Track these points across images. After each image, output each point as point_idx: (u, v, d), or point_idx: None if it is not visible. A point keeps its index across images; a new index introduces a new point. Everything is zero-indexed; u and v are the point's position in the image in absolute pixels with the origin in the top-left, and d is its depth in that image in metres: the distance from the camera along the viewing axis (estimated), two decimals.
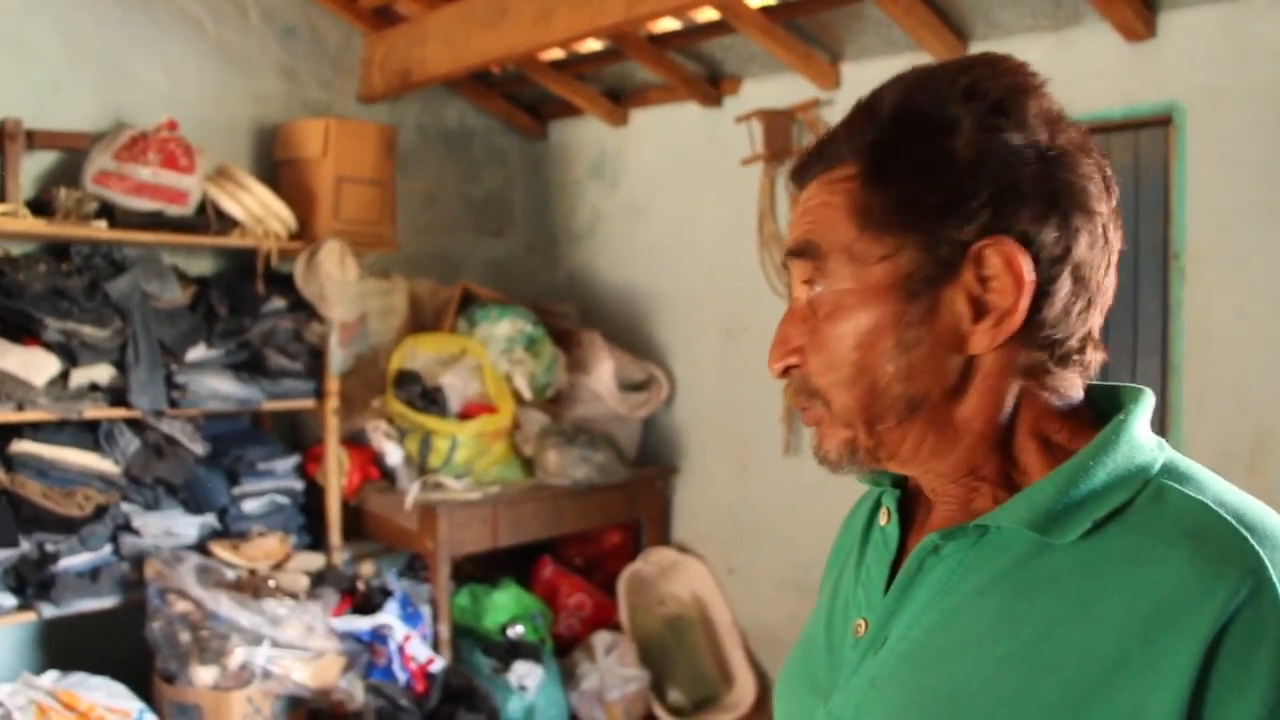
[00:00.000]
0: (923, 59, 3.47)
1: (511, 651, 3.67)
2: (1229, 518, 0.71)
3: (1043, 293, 0.77)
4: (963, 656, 0.76)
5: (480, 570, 4.07)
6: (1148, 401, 0.82)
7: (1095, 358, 0.82)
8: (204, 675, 3.10)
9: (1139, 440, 0.78)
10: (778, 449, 4.02)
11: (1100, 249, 0.79)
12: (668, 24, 3.75)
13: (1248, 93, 2.89)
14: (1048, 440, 0.81)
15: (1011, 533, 0.78)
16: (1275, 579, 0.68)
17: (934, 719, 0.75)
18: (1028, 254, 0.76)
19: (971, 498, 0.83)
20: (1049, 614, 0.73)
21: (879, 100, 0.82)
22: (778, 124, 3.87)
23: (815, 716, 0.87)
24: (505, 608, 3.84)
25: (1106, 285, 0.81)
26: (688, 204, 4.30)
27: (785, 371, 0.86)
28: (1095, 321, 0.81)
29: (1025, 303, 0.76)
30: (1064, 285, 0.78)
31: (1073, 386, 0.82)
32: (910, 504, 0.92)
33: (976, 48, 3.38)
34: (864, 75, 3.70)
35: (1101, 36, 3.11)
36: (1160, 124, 3.06)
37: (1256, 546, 0.69)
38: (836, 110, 3.77)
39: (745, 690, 4.02)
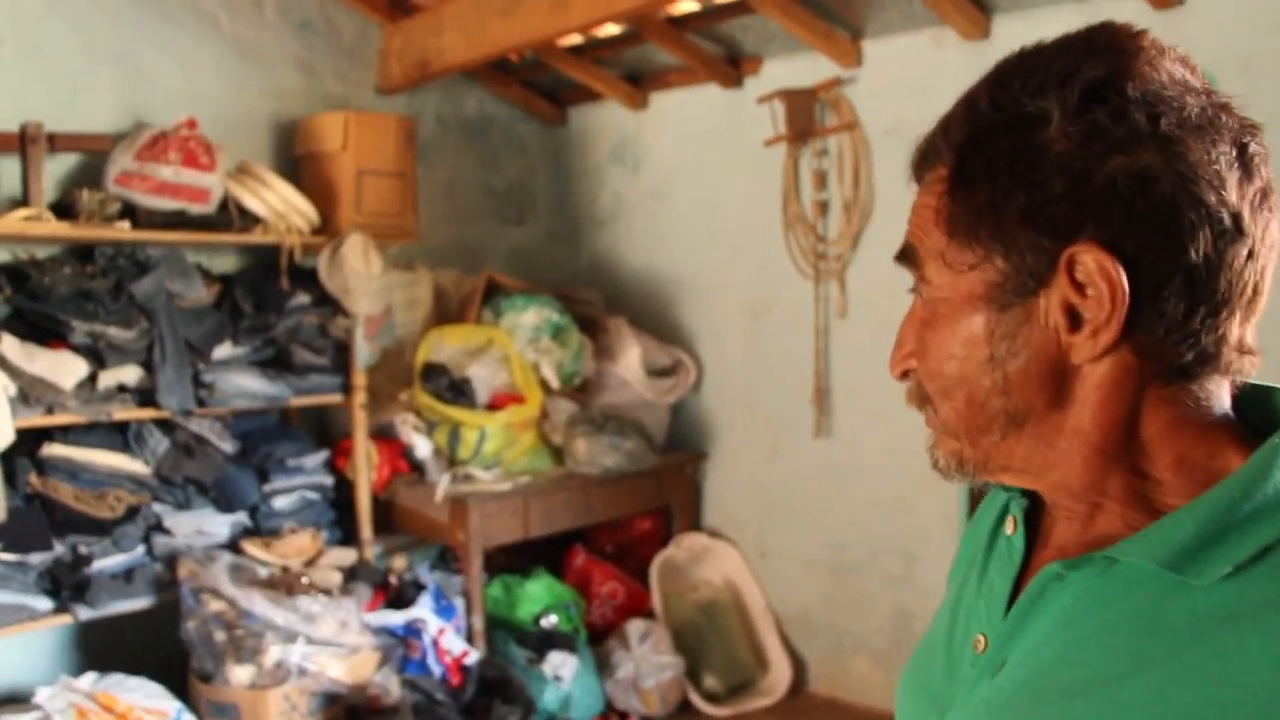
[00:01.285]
0: (946, 34, 3.42)
1: (545, 642, 3.66)
2: None
3: (1151, 300, 0.69)
4: (1084, 697, 0.70)
5: (511, 561, 4.06)
6: None
7: (1244, 362, 0.73)
8: (240, 674, 3.10)
9: None
10: (808, 431, 3.99)
11: (1232, 242, 0.69)
12: (686, 5, 3.70)
13: (1279, 58, 2.83)
14: (1184, 457, 0.73)
15: (1144, 567, 0.70)
16: None
17: None
18: (1120, 260, 0.68)
19: (1095, 515, 0.76)
20: (1183, 663, 0.66)
21: (977, 89, 0.76)
22: (800, 104, 3.82)
23: None
24: (538, 598, 3.83)
25: (1252, 283, 0.71)
26: (710, 187, 4.26)
27: (905, 374, 0.83)
28: (1236, 325, 0.71)
29: (1121, 314, 0.69)
30: (1175, 290, 0.69)
31: (1213, 395, 0.73)
32: (1037, 512, 0.85)
33: (1000, 21, 3.32)
34: (886, 52, 3.64)
35: (1129, 5, 3.05)
36: None
37: None
38: (859, 88, 3.72)
39: (781, 674, 4.00)
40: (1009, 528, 0.85)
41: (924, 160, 0.80)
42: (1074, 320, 0.71)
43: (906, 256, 0.80)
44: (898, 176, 3.60)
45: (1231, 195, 0.69)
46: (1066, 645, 0.73)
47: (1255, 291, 0.71)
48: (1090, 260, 0.69)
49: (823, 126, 3.82)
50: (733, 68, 4.07)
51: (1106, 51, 0.71)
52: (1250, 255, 0.70)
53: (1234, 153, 0.70)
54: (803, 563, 4.06)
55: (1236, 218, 0.69)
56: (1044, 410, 0.74)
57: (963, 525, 3.55)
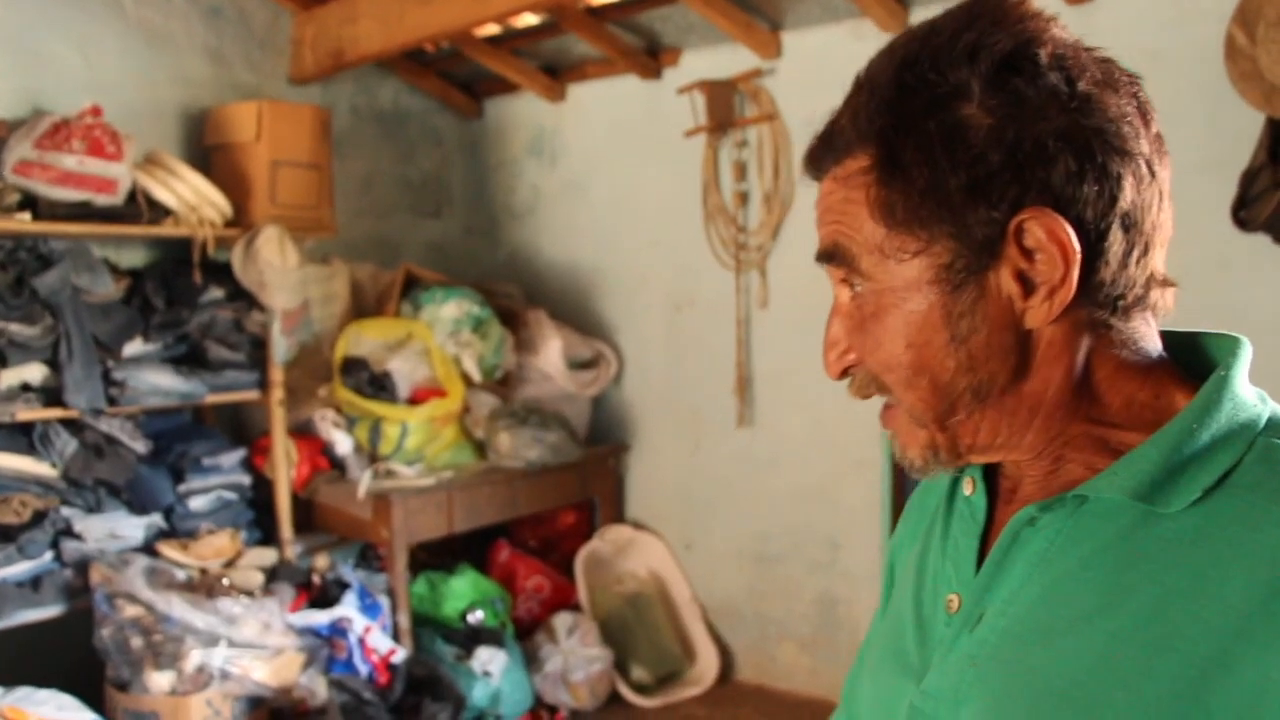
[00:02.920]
0: (865, 26, 3.47)
1: (473, 638, 3.62)
2: None
3: (1095, 253, 0.72)
4: (1071, 634, 0.71)
5: (434, 558, 4.01)
6: (1245, 352, 0.77)
7: (1164, 297, 0.77)
8: (159, 681, 2.99)
9: (1241, 396, 0.74)
10: (730, 421, 4.01)
11: (1148, 186, 0.73)
12: None
13: (1187, 52, 2.93)
14: (1132, 398, 0.76)
15: (1113, 502, 0.73)
16: None
17: (1043, 700, 0.71)
18: (1067, 220, 0.70)
19: (1058, 467, 0.78)
20: (1162, 586, 0.69)
21: (877, 74, 0.75)
22: (720, 95, 3.84)
23: (905, 696, 0.82)
24: (464, 594, 3.79)
25: (1163, 221, 0.75)
26: (629, 178, 4.26)
27: (844, 372, 0.82)
28: (1157, 261, 0.76)
29: (1075, 272, 0.71)
30: (1116, 238, 0.72)
31: (1145, 337, 0.77)
32: (993, 472, 0.86)
33: (918, 14, 3.37)
34: (805, 44, 3.68)
35: None
36: None
37: None
38: (779, 80, 3.75)
39: (708, 664, 4.02)
40: (967, 488, 0.86)
41: (826, 155, 0.79)
42: (1026, 286, 0.73)
43: (832, 256, 0.79)
44: None
45: (1143, 143, 0.73)
46: (1045, 587, 0.75)
47: (1163, 229, 0.75)
48: (1038, 226, 0.71)
49: (742, 118, 3.84)
50: (652, 59, 4.07)
51: (1004, 22, 0.72)
52: (1160, 195, 0.75)
53: (1134, 103, 0.74)
54: (727, 553, 4.08)
55: (1149, 162, 0.73)
56: (1007, 381, 0.75)
57: (885, 511, 3.61)
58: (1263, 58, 2.69)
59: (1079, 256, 0.71)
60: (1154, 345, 0.78)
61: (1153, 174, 0.73)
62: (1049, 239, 0.71)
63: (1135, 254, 0.73)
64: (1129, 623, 0.69)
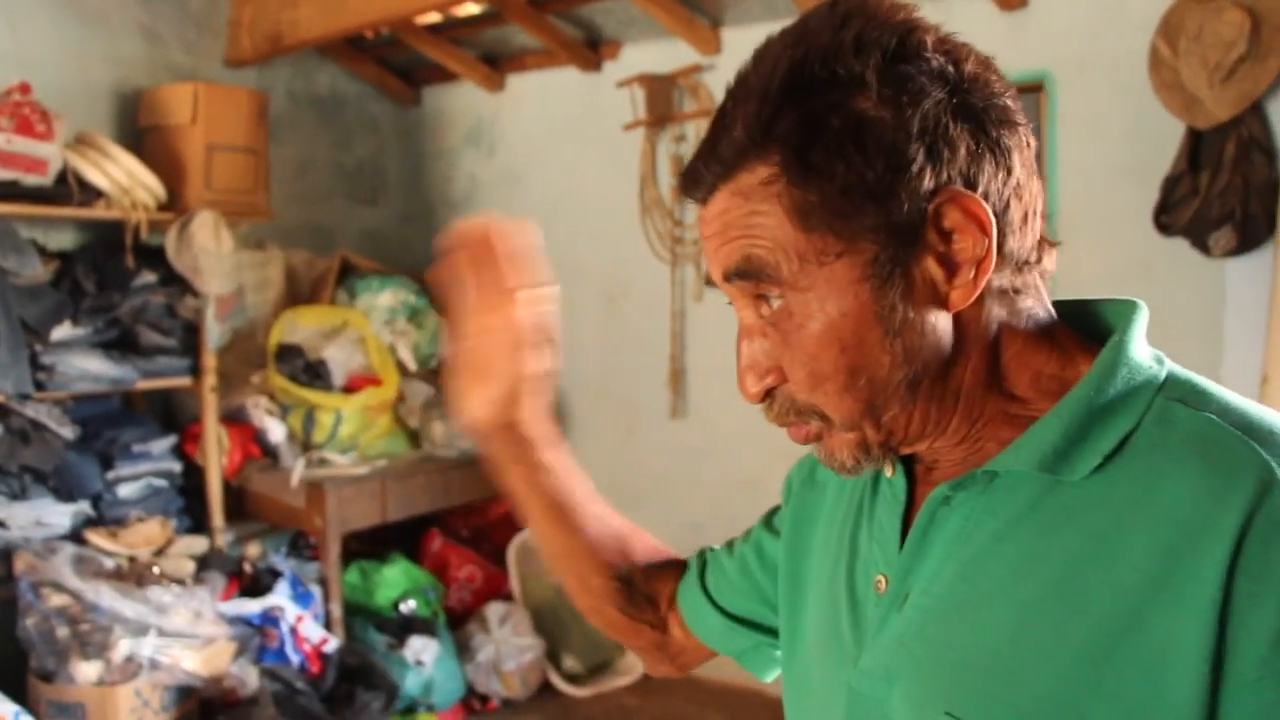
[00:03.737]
0: None
1: (405, 627, 3.62)
2: (1234, 429, 0.69)
3: (1000, 225, 0.73)
4: (988, 607, 0.73)
5: (366, 546, 3.99)
6: (1141, 316, 0.79)
7: (1049, 259, 0.79)
8: (86, 671, 2.95)
9: (1138, 360, 0.75)
10: (664, 413, 4.05)
11: (1028, 153, 0.76)
12: None
13: (1114, 62, 3.03)
14: (1040, 372, 0.77)
15: (1022, 475, 0.75)
16: None
17: (967, 674, 0.73)
18: (978, 197, 0.72)
19: (975, 446, 0.79)
20: (1069, 553, 0.70)
21: (762, 81, 0.73)
22: (660, 89, 3.87)
23: (844, 678, 0.84)
24: (396, 583, 3.78)
25: (1036, 187, 0.77)
26: (567, 170, 4.27)
27: (766, 394, 0.79)
28: (1038, 226, 0.77)
29: (993, 246, 0.72)
30: (1014, 207, 0.74)
31: (1040, 303, 0.79)
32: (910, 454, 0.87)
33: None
34: (745, 40, 3.72)
35: (976, 6, 3.21)
36: (1033, 91, 3.18)
37: (1265, 454, 0.67)
38: (718, 76, 3.79)
39: None
40: (888, 471, 0.86)
41: (712, 172, 0.76)
42: (948, 268, 0.73)
43: (745, 273, 0.75)
44: None
45: (1020, 116, 0.75)
46: (963, 564, 0.76)
47: (1038, 195, 0.77)
48: (954, 207, 0.72)
49: (681, 112, 3.88)
50: (592, 51, 4.08)
51: (876, 16, 0.72)
52: (1036, 158, 0.77)
53: (1001, 82, 0.76)
54: (660, 543, 4.11)
55: (1025, 130, 0.76)
56: (938, 367, 0.75)
57: None
58: (1183, 69, 2.80)
59: (995, 230, 0.72)
60: (1050, 313, 0.80)
61: (1028, 143, 0.76)
62: (966, 218, 0.72)
63: (1028, 218, 0.76)
64: (1041, 592, 0.71)
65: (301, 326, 3.69)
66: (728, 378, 3.42)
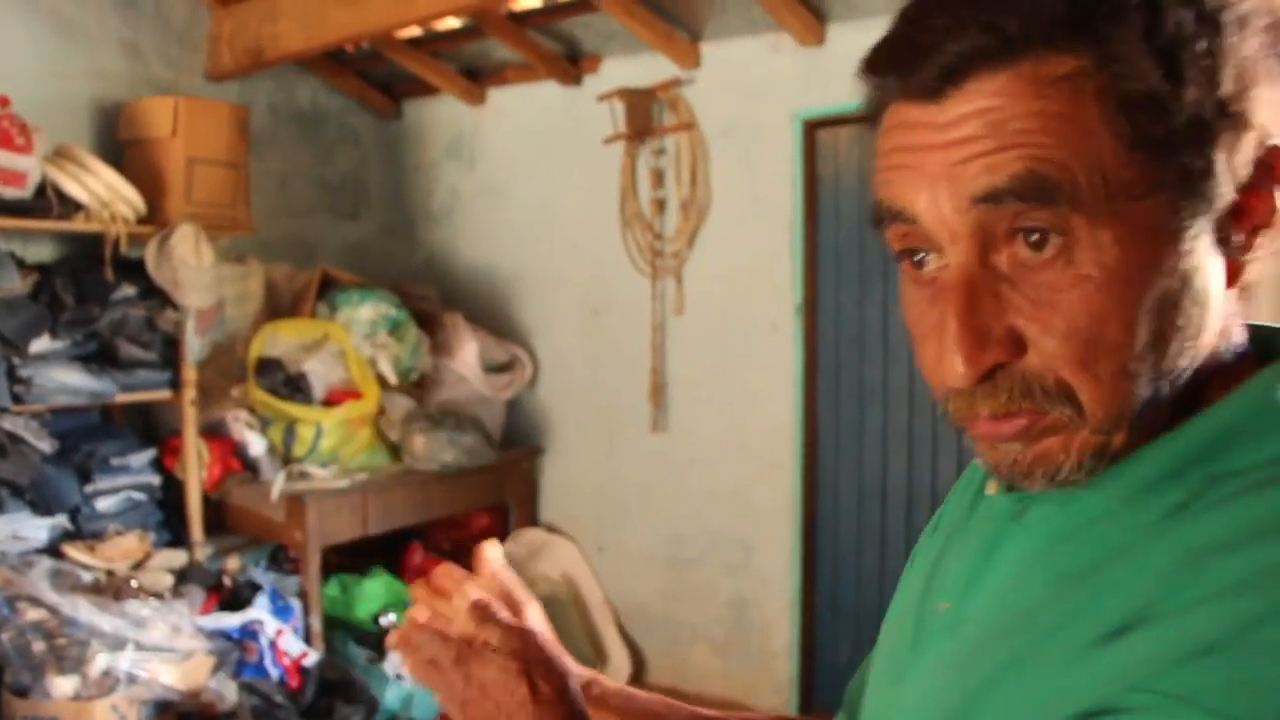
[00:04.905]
0: (783, 40, 3.56)
1: (385, 640, 3.60)
2: None
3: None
4: (1016, 635, 0.62)
5: (347, 560, 3.98)
6: None
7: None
8: (62, 686, 2.93)
9: None
10: (645, 426, 4.06)
11: None
12: (528, 1, 3.72)
13: None
14: (1208, 394, 0.63)
15: (1100, 499, 0.62)
16: None
17: (973, 713, 0.62)
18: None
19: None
20: (1073, 604, 0.59)
21: None
22: (639, 103, 3.90)
23: (885, 695, 0.75)
24: (376, 596, 3.77)
25: None
26: (548, 183, 4.29)
27: (988, 374, 0.59)
28: None
29: None
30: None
31: (1239, 319, 0.65)
32: None
33: (835, 29, 3.47)
34: (724, 54, 3.75)
35: None
36: None
37: None
38: (697, 89, 3.82)
39: (620, 666, 4.06)
40: (990, 488, 0.72)
41: (983, 44, 0.56)
42: (1251, 236, 0.61)
43: (1027, 192, 0.56)
44: (734, 176, 3.75)
45: None
46: (1022, 594, 0.64)
47: None
48: (1274, 158, 0.59)
49: (661, 126, 3.90)
50: (572, 65, 4.10)
51: None
52: None
53: None
54: (641, 556, 4.13)
55: None
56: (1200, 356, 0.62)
57: (797, 514, 3.69)
58: None
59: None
60: (1243, 336, 0.65)
61: None
62: (1269, 173, 0.59)
63: None
64: (1028, 645, 0.61)
65: (282, 340, 3.69)
66: (708, 391, 3.46)
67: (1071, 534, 0.63)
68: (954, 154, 0.57)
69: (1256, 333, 0.66)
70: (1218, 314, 0.61)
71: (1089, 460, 0.60)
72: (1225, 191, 0.58)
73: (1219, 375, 0.62)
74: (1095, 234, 0.56)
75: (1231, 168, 0.58)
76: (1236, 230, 0.60)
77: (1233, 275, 0.61)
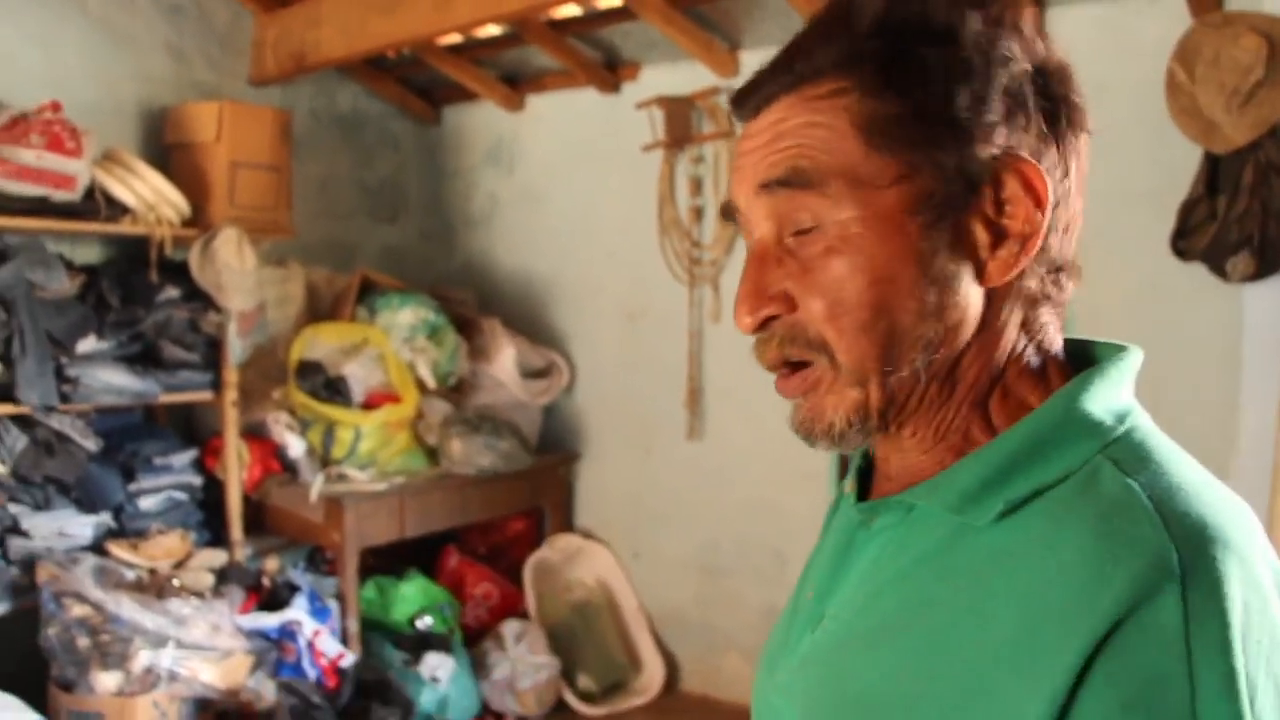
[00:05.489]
0: None
1: (421, 643, 3.63)
2: (1149, 501, 0.63)
3: (1049, 219, 0.71)
4: (877, 646, 0.70)
5: (383, 563, 4.01)
6: (1122, 363, 0.73)
7: (1071, 288, 0.76)
8: (106, 681, 2.97)
9: (1087, 411, 0.70)
10: (681, 433, 4.06)
11: (1082, 167, 0.74)
12: (568, 9, 3.73)
13: (1129, 88, 3.04)
14: (1021, 404, 0.73)
15: (935, 511, 0.71)
16: (1182, 584, 0.59)
17: (848, 711, 0.71)
18: (1043, 170, 0.70)
19: (935, 462, 0.75)
20: (957, 602, 0.67)
21: (856, 9, 0.72)
22: (679, 111, 3.91)
23: (765, 689, 0.84)
24: (413, 599, 3.80)
25: (1079, 205, 0.75)
26: (586, 190, 4.30)
27: (762, 325, 0.75)
28: (1073, 243, 0.75)
29: (1045, 226, 0.70)
30: (1061, 212, 0.72)
31: (1056, 326, 0.75)
32: (872, 471, 0.84)
33: None
34: (762, 62, 3.75)
35: None
36: None
37: (1168, 536, 0.61)
38: None
39: (654, 673, 4.06)
40: (847, 486, 0.84)
41: (783, 75, 0.73)
42: (995, 236, 0.71)
43: (789, 182, 0.71)
44: None
45: (1090, 126, 0.75)
46: (868, 596, 0.74)
47: (1080, 216, 0.75)
48: (1016, 176, 0.70)
49: (699, 134, 3.91)
50: (611, 73, 4.12)
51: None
52: (1082, 183, 0.75)
53: (1077, 81, 0.75)
54: (675, 563, 4.13)
55: (1087, 143, 0.75)
56: (956, 343, 0.72)
57: None
58: (1200, 95, 2.81)
59: (1051, 209, 0.70)
60: (1059, 344, 0.76)
61: (1084, 156, 0.74)
62: (1025, 190, 0.69)
63: (1069, 229, 0.74)
64: (920, 643, 0.68)
65: (322, 343, 3.72)
66: (745, 399, 3.45)
67: (909, 542, 0.73)
68: (755, 156, 0.74)
69: (1074, 346, 0.78)
70: (967, 305, 0.71)
71: (855, 418, 0.72)
72: (957, 191, 0.70)
73: (1026, 379, 0.74)
74: (843, 216, 0.70)
75: (964, 173, 0.69)
76: (985, 232, 0.70)
77: (984, 274, 0.71)
